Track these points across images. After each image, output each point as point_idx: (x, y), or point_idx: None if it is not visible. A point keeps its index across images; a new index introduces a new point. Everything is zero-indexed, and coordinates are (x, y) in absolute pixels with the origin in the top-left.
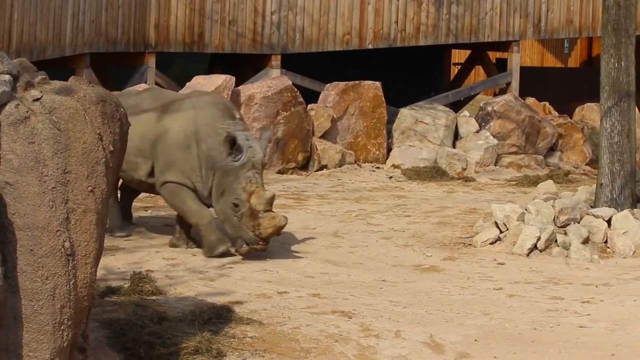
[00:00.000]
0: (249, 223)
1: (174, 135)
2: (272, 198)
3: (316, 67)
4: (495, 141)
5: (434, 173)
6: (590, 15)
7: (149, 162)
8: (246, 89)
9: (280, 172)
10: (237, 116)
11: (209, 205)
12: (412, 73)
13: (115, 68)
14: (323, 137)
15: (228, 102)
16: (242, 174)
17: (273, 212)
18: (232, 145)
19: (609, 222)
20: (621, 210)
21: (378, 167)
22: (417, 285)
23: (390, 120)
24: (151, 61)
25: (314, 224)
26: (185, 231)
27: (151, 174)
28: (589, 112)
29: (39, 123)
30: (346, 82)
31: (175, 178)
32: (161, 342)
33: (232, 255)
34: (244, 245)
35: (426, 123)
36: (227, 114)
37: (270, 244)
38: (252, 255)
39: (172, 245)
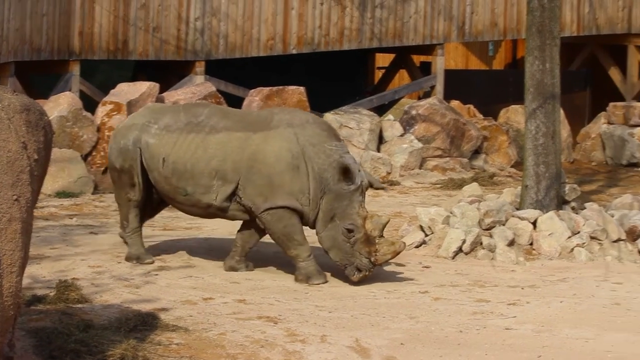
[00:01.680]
0: (363, 249)
1: (276, 155)
2: (387, 223)
3: (240, 73)
4: (420, 145)
5: None
6: (514, 18)
7: (231, 185)
8: (170, 96)
9: None
10: (340, 136)
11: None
12: (336, 77)
13: (39, 76)
14: None
15: (323, 119)
16: (355, 198)
17: (384, 237)
18: (347, 173)
19: (534, 224)
20: (546, 212)
21: None
22: (343, 289)
23: None
24: (75, 69)
25: None
26: (245, 253)
27: (228, 198)
28: (514, 114)
29: None
30: (270, 88)
31: (284, 202)
32: (87, 350)
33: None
34: (356, 272)
35: (350, 127)
36: (332, 133)
37: (190, 251)
38: (177, 261)
39: (231, 269)
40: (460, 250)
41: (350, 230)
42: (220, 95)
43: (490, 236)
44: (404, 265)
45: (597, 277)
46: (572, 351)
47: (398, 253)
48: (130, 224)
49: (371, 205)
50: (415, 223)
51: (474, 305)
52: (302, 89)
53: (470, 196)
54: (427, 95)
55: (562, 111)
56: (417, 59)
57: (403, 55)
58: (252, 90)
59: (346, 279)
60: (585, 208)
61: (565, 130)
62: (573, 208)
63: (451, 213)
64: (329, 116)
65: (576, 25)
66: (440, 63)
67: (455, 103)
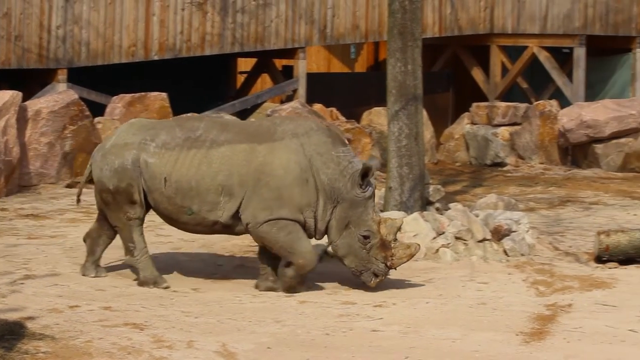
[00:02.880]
0: (379, 254)
1: (285, 167)
2: (400, 227)
3: (103, 80)
4: None
5: None
6: (376, 20)
7: (237, 200)
8: (33, 104)
9: (68, 186)
10: (345, 141)
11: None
12: (199, 83)
13: None
14: None
15: (328, 125)
16: (369, 204)
17: (399, 241)
18: (366, 176)
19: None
20: (411, 213)
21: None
22: (209, 295)
23: None
24: None
25: None
26: (273, 269)
27: (235, 213)
28: (377, 117)
29: None
30: (132, 94)
31: (289, 214)
32: None
33: None
34: (373, 278)
35: None
36: (338, 140)
37: (58, 258)
38: (43, 270)
39: (269, 289)
40: (325, 253)
41: (366, 237)
42: (82, 103)
43: None
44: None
45: (462, 277)
46: (439, 351)
47: (413, 256)
48: (137, 245)
49: None
50: None
51: (340, 308)
52: (164, 95)
53: None
54: (289, 99)
55: (425, 112)
56: (279, 62)
57: (265, 60)
58: (115, 97)
59: (212, 286)
60: (449, 208)
61: (428, 131)
62: (437, 209)
63: None
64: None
65: (438, 27)
66: (302, 67)
67: (318, 106)
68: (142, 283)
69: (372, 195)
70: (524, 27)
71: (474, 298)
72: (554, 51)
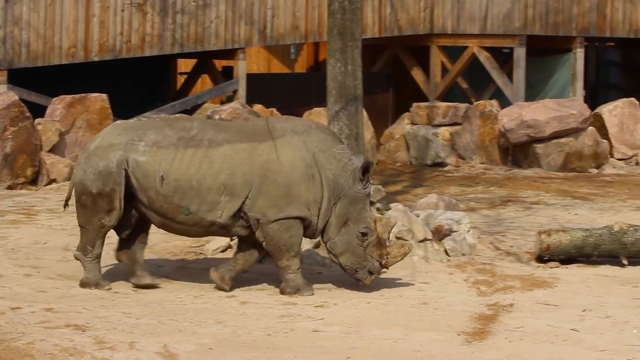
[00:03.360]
0: (375, 252)
1: (291, 164)
2: (395, 225)
3: (43, 81)
4: None
5: None
6: (316, 21)
7: (239, 200)
8: None
9: (9, 187)
10: (342, 139)
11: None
12: (139, 84)
13: None
14: (51, 151)
15: (323, 123)
16: (367, 201)
17: (393, 240)
18: (367, 172)
19: None
20: None
21: None
22: (150, 296)
23: None
24: None
25: (45, 239)
26: (242, 272)
27: (235, 214)
28: (317, 117)
29: None
30: (72, 96)
31: (297, 212)
32: None
33: None
34: (368, 276)
35: None
36: (336, 137)
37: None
38: None
39: (221, 280)
40: (266, 253)
41: (364, 234)
42: (23, 104)
43: None
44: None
45: (404, 277)
46: (380, 351)
47: (406, 255)
48: (95, 250)
49: None
50: None
51: (281, 309)
52: (104, 96)
53: None
54: (229, 99)
55: (365, 113)
56: (219, 63)
57: (205, 60)
58: (55, 98)
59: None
60: (390, 209)
61: (368, 131)
62: (378, 209)
63: None
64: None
65: (378, 27)
66: (242, 67)
67: (258, 107)
68: (84, 284)
69: (370, 193)
70: (463, 27)
71: (416, 298)
72: (494, 51)
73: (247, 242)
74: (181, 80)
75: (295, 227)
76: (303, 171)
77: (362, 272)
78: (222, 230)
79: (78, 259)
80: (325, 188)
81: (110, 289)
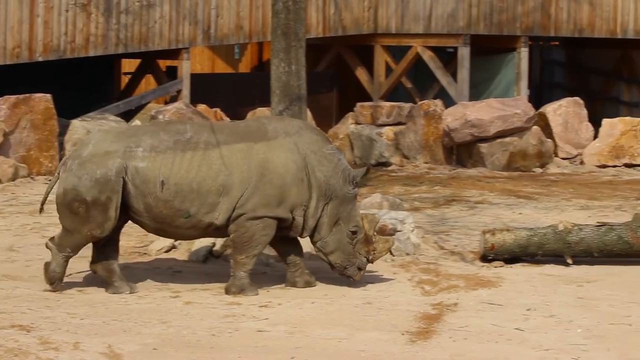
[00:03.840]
0: (363, 249)
1: (284, 166)
2: (378, 222)
3: None
4: None
5: None
6: (260, 20)
7: (235, 199)
8: None
9: None
10: (330, 140)
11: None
12: (83, 84)
13: None
14: None
15: (312, 124)
16: (355, 200)
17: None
18: (365, 176)
19: None
20: None
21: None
22: (94, 296)
23: (63, 133)
24: None
25: None
26: (303, 262)
27: (230, 214)
28: None
29: None
30: (17, 96)
31: (282, 213)
32: None
33: None
34: (358, 272)
35: None
36: (325, 138)
37: None
38: None
39: (308, 284)
40: (210, 253)
41: (354, 232)
42: None
43: None
44: (153, 271)
45: (348, 276)
46: (325, 351)
47: (390, 249)
48: (72, 253)
49: None
50: None
51: (225, 309)
52: (48, 96)
53: None
54: (173, 99)
55: (309, 112)
56: (163, 63)
57: (149, 60)
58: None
59: (97, 287)
60: None
61: None
62: None
63: None
64: (76, 123)
65: (322, 27)
66: (186, 67)
67: (202, 107)
68: (48, 277)
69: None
70: (407, 26)
71: (360, 298)
72: (438, 51)
73: (284, 244)
74: (125, 80)
75: (272, 227)
76: (294, 174)
77: (352, 269)
78: (217, 231)
79: (49, 249)
80: (314, 189)
81: (63, 288)
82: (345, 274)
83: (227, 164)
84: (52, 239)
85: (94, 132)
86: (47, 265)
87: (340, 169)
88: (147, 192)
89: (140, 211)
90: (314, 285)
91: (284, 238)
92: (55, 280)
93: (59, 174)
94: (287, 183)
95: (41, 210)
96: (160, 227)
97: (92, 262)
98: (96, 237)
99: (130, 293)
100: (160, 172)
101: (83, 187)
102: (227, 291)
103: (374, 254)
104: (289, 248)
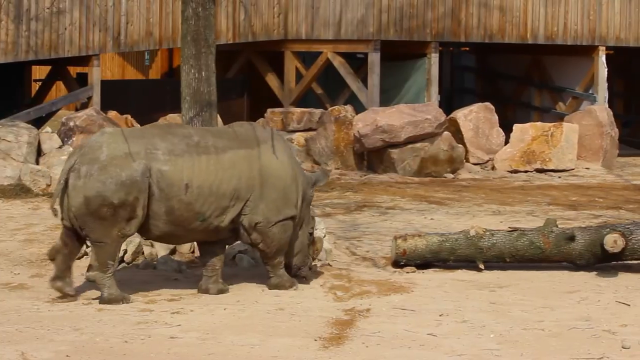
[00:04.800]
0: (311, 249)
1: (283, 168)
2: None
3: None
4: None
5: (18, 190)
6: (170, 27)
7: (240, 204)
8: None
9: None
10: None
11: None
12: None
13: None
14: None
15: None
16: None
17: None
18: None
19: None
20: None
21: None
22: (6, 303)
23: None
24: None
25: None
26: (221, 271)
27: (234, 218)
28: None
29: None
30: None
31: (292, 212)
32: None
33: None
34: (308, 271)
35: (9, 141)
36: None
37: None
38: None
39: (221, 292)
40: (122, 260)
41: (311, 234)
42: None
43: (152, 245)
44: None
45: (260, 283)
46: (237, 358)
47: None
48: (115, 264)
49: (32, 218)
50: None
51: (138, 315)
52: None
53: None
54: (84, 106)
55: (219, 119)
56: (74, 70)
57: (59, 67)
58: None
59: (9, 294)
60: None
61: None
62: None
63: None
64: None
65: (232, 33)
66: (96, 74)
67: (112, 113)
68: (108, 301)
69: None
70: (318, 32)
71: (272, 304)
72: (348, 57)
73: (213, 245)
74: (36, 87)
75: (290, 224)
76: (290, 174)
77: (305, 269)
78: (215, 235)
79: (94, 280)
80: (300, 189)
81: (132, 301)
82: (300, 274)
83: (237, 168)
84: (89, 269)
85: (95, 135)
86: (104, 299)
87: (305, 173)
88: (172, 195)
89: (158, 214)
90: (226, 293)
91: (215, 242)
92: (122, 299)
93: (66, 182)
94: (288, 184)
95: (55, 214)
96: (172, 231)
97: (53, 279)
98: (126, 235)
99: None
100: (183, 175)
101: (109, 191)
102: (281, 287)
103: (315, 254)
104: (214, 250)
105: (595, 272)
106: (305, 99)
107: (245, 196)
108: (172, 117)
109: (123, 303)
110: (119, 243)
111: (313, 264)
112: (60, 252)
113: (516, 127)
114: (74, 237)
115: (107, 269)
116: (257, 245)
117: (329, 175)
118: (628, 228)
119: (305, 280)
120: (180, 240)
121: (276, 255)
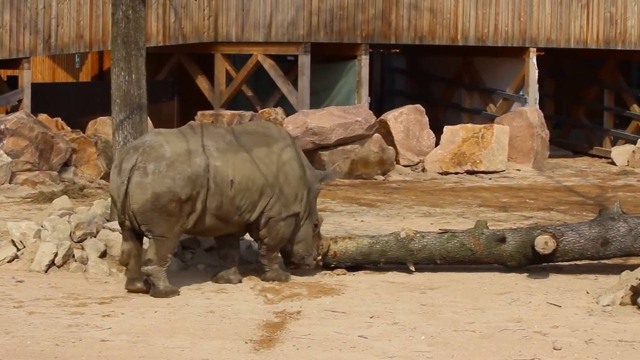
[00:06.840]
0: (316, 242)
1: (296, 166)
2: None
3: None
4: (9, 159)
5: None
6: (100, 29)
7: (266, 200)
8: None
9: None
10: None
11: None
12: None
13: None
14: None
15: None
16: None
17: None
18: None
19: None
20: None
21: None
22: None
23: None
24: None
25: None
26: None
27: (260, 213)
28: (102, 126)
29: None
30: None
31: (298, 208)
32: None
33: None
34: (313, 261)
35: None
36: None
37: None
38: None
39: (229, 282)
40: (53, 263)
41: (316, 225)
42: None
43: (82, 248)
44: None
45: (190, 287)
46: None
47: (330, 245)
48: (171, 256)
49: None
50: (7, 238)
51: (69, 318)
52: None
53: (61, 209)
54: (14, 109)
55: (150, 121)
56: (4, 73)
57: None
58: None
59: None
60: None
61: None
62: None
63: (42, 227)
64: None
65: (162, 35)
66: (26, 77)
67: (43, 116)
68: (160, 294)
69: None
70: (248, 35)
71: (203, 307)
72: (278, 59)
73: (230, 237)
74: None
75: (294, 220)
76: (300, 172)
77: (309, 259)
78: (242, 227)
79: (151, 273)
80: (305, 183)
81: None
82: (304, 262)
83: (264, 165)
84: (147, 263)
85: (149, 135)
86: (160, 292)
87: (311, 165)
88: (223, 190)
89: (210, 209)
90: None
91: (233, 234)
92: (174, 292)
93: (128, 180)
94: (297, 182)
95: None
96: (215, 224)
97: None
98: (185, 229)
99: None
100: (229, 171)
101: (178, 187)
102: (277, 280)
103: (321, 249)
104: (232, 242)
105: (526, 274)
106: (235, 102)
107: (270, 192)
108: (103, 120)
109: (171, 296)
110: (178, 237)
111: (319, 257)
112: (132, 255)
113: (447, 128)
114: (136, 236)
115: (165, 262)
116: (263, 239)
117: (338, 175)
118: (559, 229)
119: (309, 269)
120: (215, 234)
121: (275, 250)
